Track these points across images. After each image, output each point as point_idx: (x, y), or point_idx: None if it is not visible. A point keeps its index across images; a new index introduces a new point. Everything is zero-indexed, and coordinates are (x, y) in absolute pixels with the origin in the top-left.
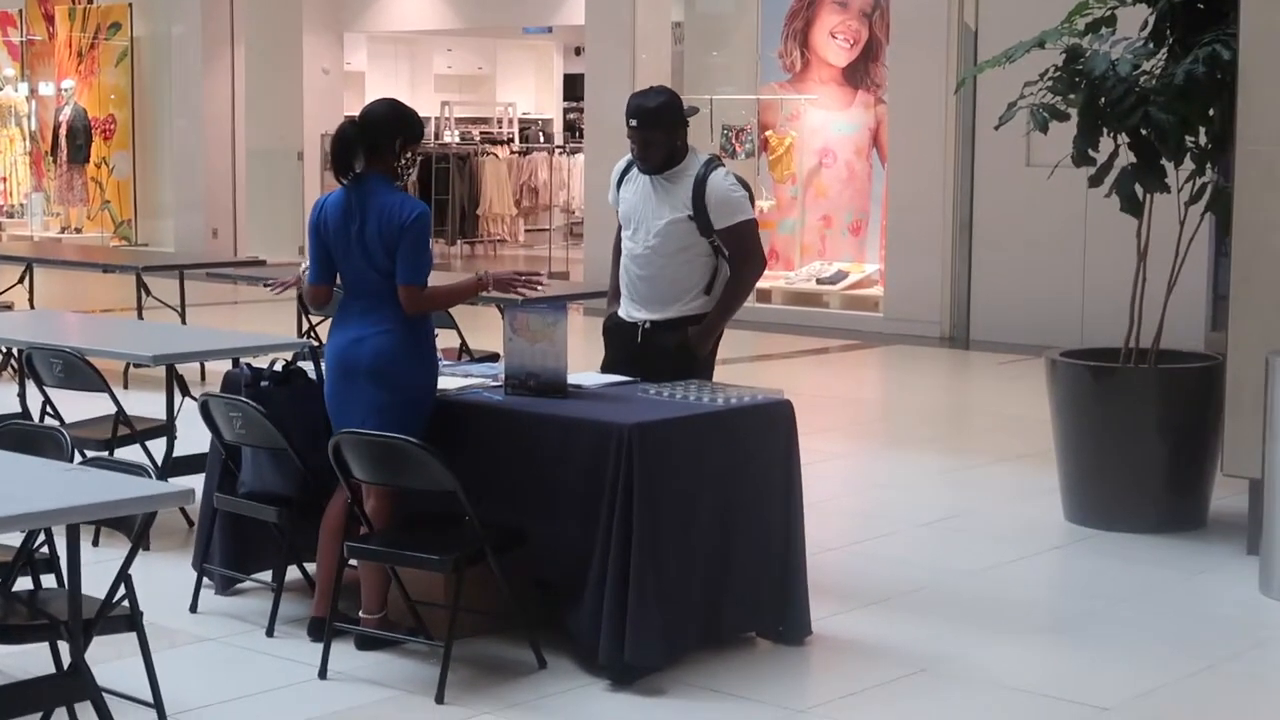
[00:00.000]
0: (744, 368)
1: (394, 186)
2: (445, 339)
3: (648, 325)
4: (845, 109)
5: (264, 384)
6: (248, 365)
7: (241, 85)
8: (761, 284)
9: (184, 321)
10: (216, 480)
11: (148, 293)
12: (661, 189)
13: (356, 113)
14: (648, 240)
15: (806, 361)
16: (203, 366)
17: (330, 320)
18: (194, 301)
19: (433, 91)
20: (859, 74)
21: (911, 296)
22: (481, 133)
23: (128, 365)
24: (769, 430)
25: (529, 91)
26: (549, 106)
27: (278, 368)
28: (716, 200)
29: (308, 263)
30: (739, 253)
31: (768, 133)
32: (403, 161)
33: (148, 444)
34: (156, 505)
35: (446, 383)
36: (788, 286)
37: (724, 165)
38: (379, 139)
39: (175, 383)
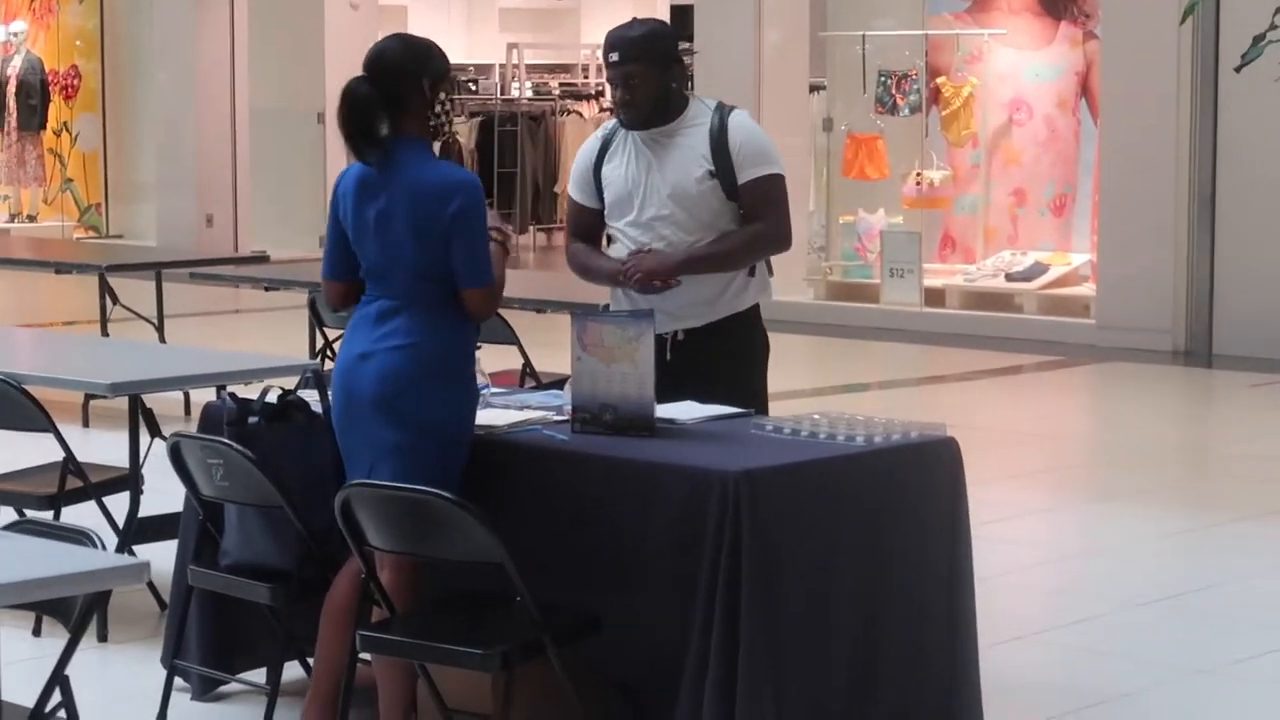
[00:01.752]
0: (906, 393)
1: (432, 152)
2: (502, 358)
3: (680, 336)
4: (1044, 47)
5: (252, 420)
6: (231, 396)
7: (244, 27)
8: (933, 282)
9: (162, 338)
10: (193, 549)
11: (114, 300)
12: (664, 149)
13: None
14: (662, 216)
15: (991, 384)
16: (187, 398)
17: None
18: (179, 311)
19: (497, 30)
20: (1062, 0)
21: (1134, 297)
22: (561, 85)
23: (86, 397)
24: (927, 479)
25: None
26: None
27: (271, 398)
28: (745, 143)
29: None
30: (761, 213)
31: (940, 80)
32: (438, 111)
33: (106, 500)
34: (100, 584)
35: (495, 417)
36: (968, 285)
37: (741, 109)
38: (401, 89)
39: (142, 420)
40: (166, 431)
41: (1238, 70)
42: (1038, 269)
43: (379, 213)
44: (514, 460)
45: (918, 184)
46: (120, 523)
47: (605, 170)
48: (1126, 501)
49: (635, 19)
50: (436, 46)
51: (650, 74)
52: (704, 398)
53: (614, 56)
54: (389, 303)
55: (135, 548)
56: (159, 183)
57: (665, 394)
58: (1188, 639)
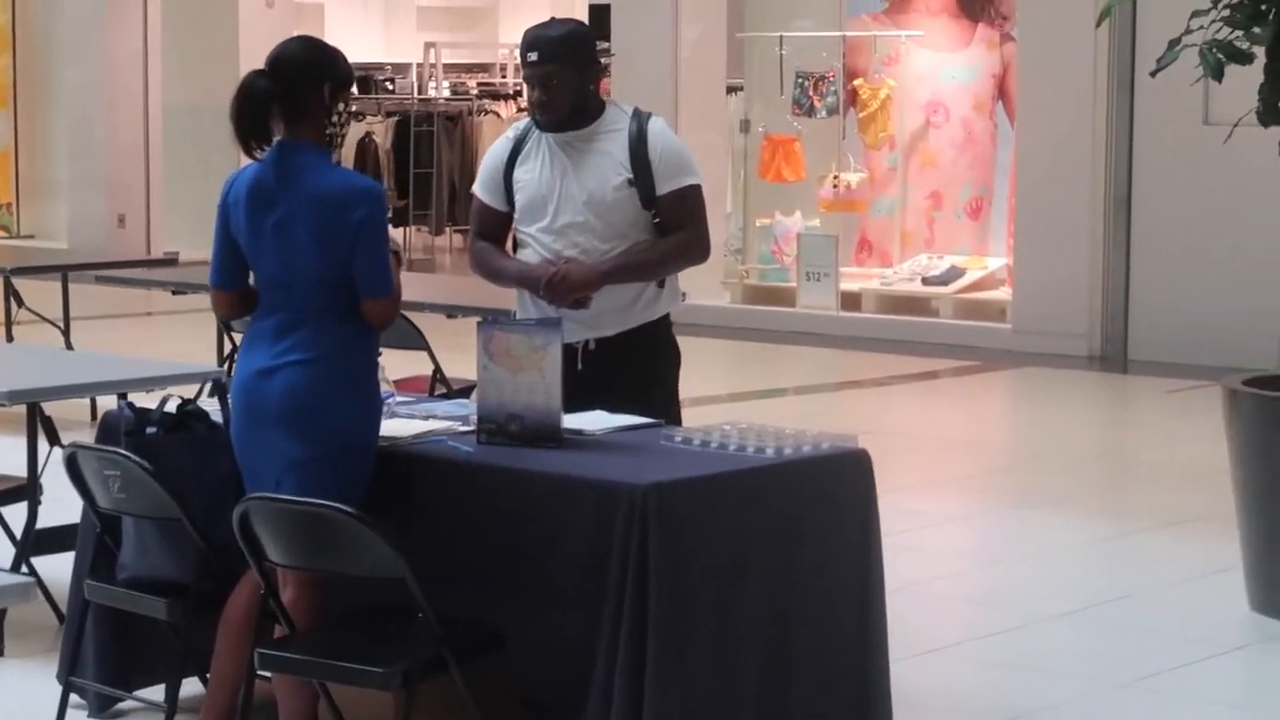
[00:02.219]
0: (823, 398)
1: (329, 159)
2: (412, 364)
3: (591, 345)
4: (961, 49)
5: (150, 430)
6: (129, 405)
7: (157, 22)
8: (849, 286)
9: (68, 343)
10: (89, 562)
11: (19, 303)
12: (581, 154)
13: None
14: (577, 224)
15: (908, 390)
16: (94, 405)
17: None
18: (88, 313)
19: (414, 29)
20: (979, 1)
21: (1050, 302)
22: (480, 84)
23: None
24: (838, 490)
25: None
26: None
27: (170, 407)
28: (665, 153)
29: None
30: (683, 223)
31: (857, 82)
32: (335, 120)
33: (4, 511)
34: None
35: (400, 427)
36: (884, 289)
37: (659, 116)
38: (301, 90)
39: (41, 428)
40: (69, 439)
41: (1153, 75)
42: (954, 273)
43: (277, 221)
44: (418, 472)
45: (835, 186)
46: (19, 534)
47: (518, 173)
48: (1044, 508)
49: (554, 19)
50: (342, 54)
51: (569, 75)
52: (616, 407)
53: (532, 56)
54: (288, 315)
55: (35, 559)
56: (70, 181)
57: (577, 404)
58: (1106, 650)
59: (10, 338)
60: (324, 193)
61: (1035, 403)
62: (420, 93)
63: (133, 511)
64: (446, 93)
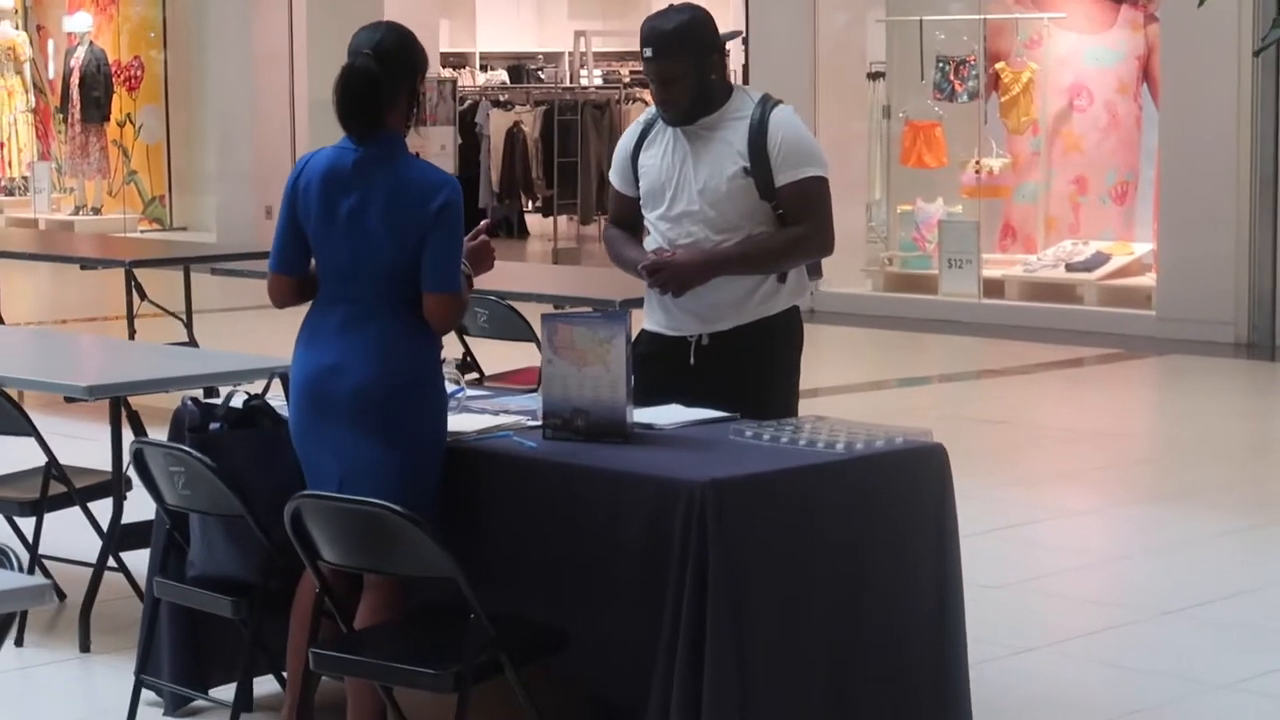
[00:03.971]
0: (964, 387)
1: (407, 149)
2: (519, 355)
3: (704, 340)
4: (1105, 31)
5: (214, 426)
6: (193, 400)
7: (302, 15)
8: (991, 272)
9: (191, 336)
10: (159, 560)
11: (142, 296)
12: (702, 142)
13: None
14: (691, 213)
15: (1049, 378)
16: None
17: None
18: (227, 305)
19: (565, 18)
20: None
21: (1195, 288)
22: (632, 73)
23: None
24: (911, 487)
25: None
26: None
27: (236, 402)
28: (785, 142)
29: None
30: (801, 216)
31: (999, 65)
32: (414, 112)
33: (93, 506)
34: None
35: (468, 422)
36: (1027, 275)
37: (786, 104)
38: (397, 78)
39: (128, 422)
40: (156, 433)
41: (1256, 54)
42: (1099, 259)
43: (351, 209)
44: (482, 468)
45: (977, 172)
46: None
47: (642, 158)
48: (1184, 501)
49: (672, 5)
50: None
51: (687, 68)
52: (728, 406)
53: (648, 52)
54: (352, 307)
55: (124, 554)
56: (218, 175)
57: (688, 401)
58: (1223, 651)
59: (132, 330)
60: (403, 182)
61: (1179, 392)
62: (572, 81)
63: (197, 508)
64: (599, 81)
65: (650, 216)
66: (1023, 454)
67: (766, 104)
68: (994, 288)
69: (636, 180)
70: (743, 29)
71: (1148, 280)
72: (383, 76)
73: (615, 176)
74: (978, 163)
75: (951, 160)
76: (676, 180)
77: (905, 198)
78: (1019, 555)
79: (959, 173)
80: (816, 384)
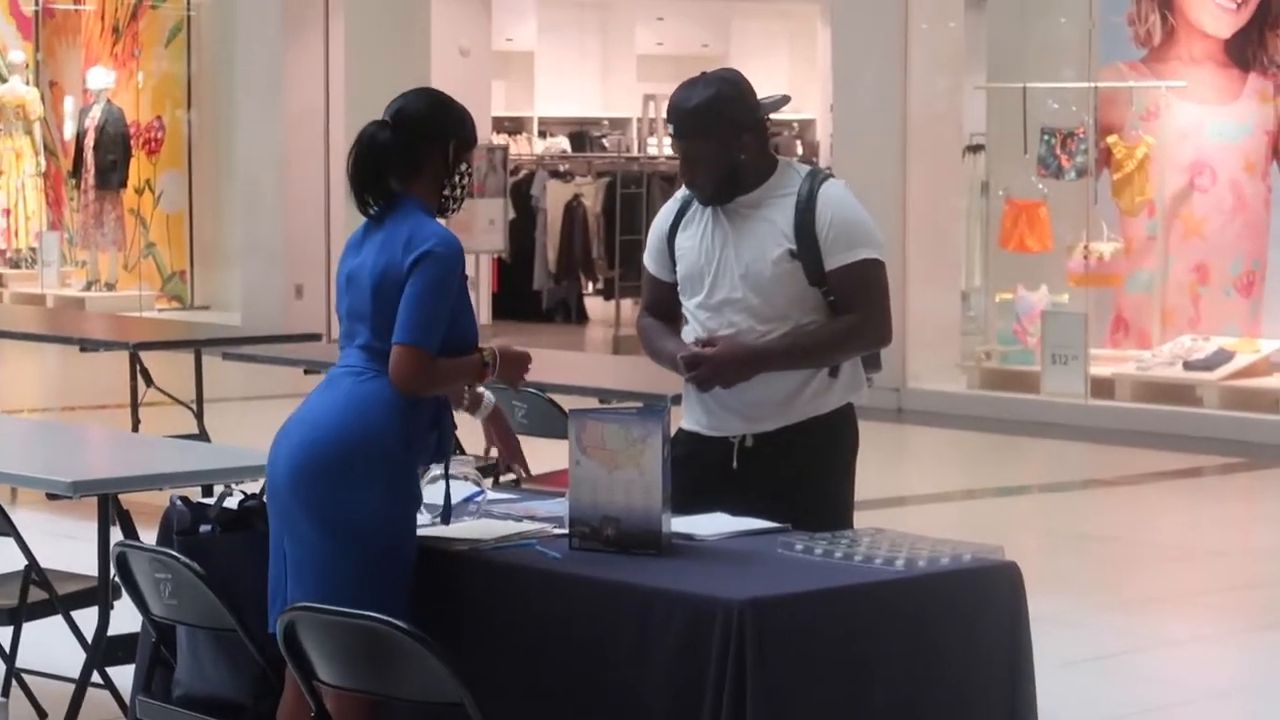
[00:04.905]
0: (1063, 498)
1: (430, 215)
2: (558, 455)
3: (748, 442)
4: (1230, 101)
5: (205, 529)
6: (183, 500)
7: (339, 74)
8: (1100, 370)
9: (201, 427)
10: (144, 677)
11: (148, 382)
12: (741, 220)
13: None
14: (733, 300)
15: (1163, 489)
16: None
17: None
18: (249, 394)
19: (634, 80)
20: (1250, 48)
21: None
22: None
23: None
24: (980, 610)
25: (779, 79)
26: (809, 102)
27: (230, 502)
28: (835, 221)
29: None
30: (855, 303)
31: (1111, 139)
32: (455, 181)
33: (76, 615)
34: None
35: (487, 529)
36: (1140, 374)
37: (838, 179)
38: (420, 145)
39: (118, 522)
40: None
41: None
42: (1221, 356)
43: (351, 272)
44: (499, 579)
45: (1085, 257)
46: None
47: (679, 239)
48: None
49: (701, 77)
50: (469, 114)
51: (711, 148)
52: (773, 514)
53: (670, 128)
54: (339, 368)
55: (110, 669)
56: (244, 248)
57: (729, 509)
58: None
59: (136, 419)
60: (393, 237)
61: None
62: (639, 150)
63: (185, 619)
64: (668, 151)
65: (689, 304)
66: (1129, 574)
67: (815, 179)
68: (1103, 387)
69: (674, 263)
70: (790, 94)
71: (1275, 381)
72: (394, 145)
73: (650, 259)
74: (1086, 247)
75: (1057, 244)
76: (717, 264)
77: (1005, 285)
78: (1115, 689)
79: (1065, 258)
80: (902, 491)
